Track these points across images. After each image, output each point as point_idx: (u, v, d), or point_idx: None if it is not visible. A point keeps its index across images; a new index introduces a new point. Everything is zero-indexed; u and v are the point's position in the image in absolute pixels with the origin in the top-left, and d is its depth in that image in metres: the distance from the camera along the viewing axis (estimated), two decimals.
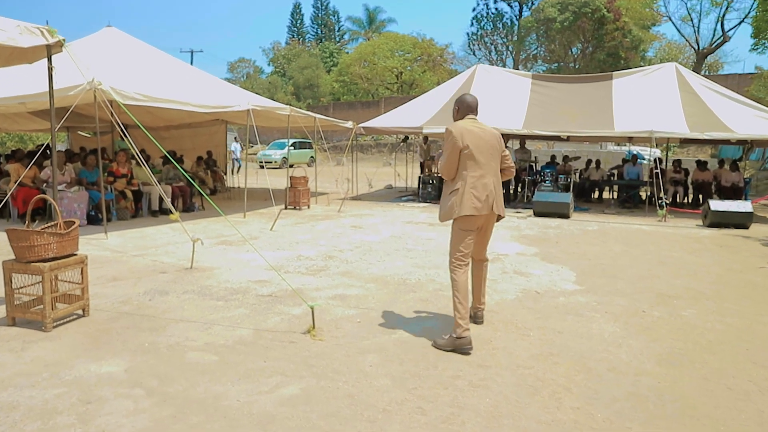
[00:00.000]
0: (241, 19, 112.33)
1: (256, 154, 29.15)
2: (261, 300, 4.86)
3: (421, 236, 8.50)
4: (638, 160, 15.25)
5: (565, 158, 15.09)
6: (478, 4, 47.59)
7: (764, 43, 20.14)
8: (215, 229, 8.80)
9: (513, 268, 6.40)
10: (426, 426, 2.74)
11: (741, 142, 13.85)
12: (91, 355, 3.52)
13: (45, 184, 9.13)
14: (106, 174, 9.87)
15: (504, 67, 34.96)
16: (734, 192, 12.99)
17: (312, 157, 27.93)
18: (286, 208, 11.65)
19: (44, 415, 2.76)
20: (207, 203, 12.10)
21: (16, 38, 4.28)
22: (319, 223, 9.79)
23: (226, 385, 3.14)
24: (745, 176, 14.00)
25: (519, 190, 14.25)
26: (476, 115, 4.03)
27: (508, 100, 13.86)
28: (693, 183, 14.34)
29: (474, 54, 41.39)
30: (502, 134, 12.62)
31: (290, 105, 12.92)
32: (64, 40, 4.87)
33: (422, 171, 15.05)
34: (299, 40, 60.04)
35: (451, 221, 3.95)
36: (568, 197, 11.37)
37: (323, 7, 62.65)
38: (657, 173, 11.73)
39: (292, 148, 28.88)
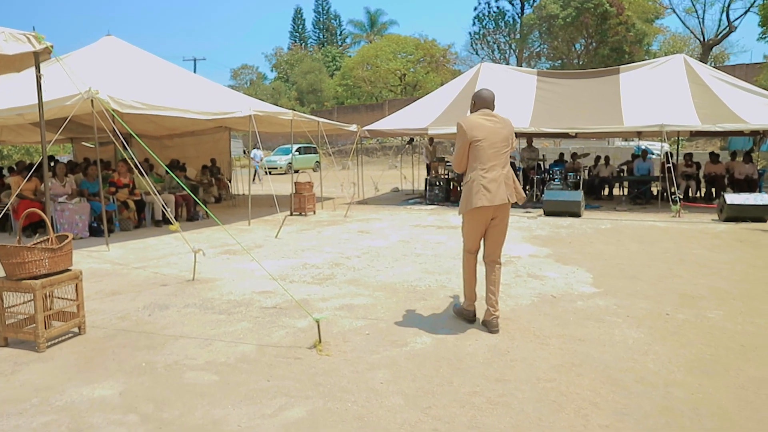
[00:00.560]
0: (243, 26, 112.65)
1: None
2: (265, 312, 4.64)
3: (430, 240, 8.27)
4: (648, 155, 14.97)
5: (574, 155, 14.81)
6: (479, 3, 47.09)
7: None
8: (219, 238, 8.61)
9: (526, 270, 6.16)
10: None
11: (753, 133, 13.55)
12: (84, 378, 3.32)
13: None
14: (107, 185, 9.71)
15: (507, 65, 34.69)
16: (748, 184, 12.66)
17: (317, 162, 27.76)
18: (291, 215, 11.45)
19: None
20: (211, 212, 11.92)
21: (0, 45, 4.09)
22: (325, 229, 9.58)
23: (226, 408, 2.93)
24: (758, 167, 13.69)
25: (528, 189, 13.98)
26: (492, 108, 4.14)
27: (514, 98, 13.60)
28: (705, 176, 14.02)
29: (477, 53, 41.24)
30: None
31: (294, 110, 12.72)
32: (51, 46, 4.68)
33: (429, 173, 14.81)
34: (301, 45, 59.99)
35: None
36: (579, 195, 11.11)
37: (324, 12, 62.64)
38: (669, 168, 11.46)
39: (297, 153, 28.73)
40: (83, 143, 16.34)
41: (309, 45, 60.93)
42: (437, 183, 13.72)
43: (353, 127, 14.51)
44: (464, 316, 4.36)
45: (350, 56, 49.80)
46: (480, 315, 4.33)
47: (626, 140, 25.71)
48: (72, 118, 10.13)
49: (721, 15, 31.45)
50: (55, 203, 8.77)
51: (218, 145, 16.14)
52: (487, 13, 40.99)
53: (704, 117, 11.44)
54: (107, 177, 9.95)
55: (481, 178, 3.94)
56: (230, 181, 15.96)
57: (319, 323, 3.83)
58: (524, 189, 14.00)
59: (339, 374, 3.36)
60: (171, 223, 6.21)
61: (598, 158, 15.44)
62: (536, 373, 3.36)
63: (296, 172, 20.40)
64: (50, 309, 3.95)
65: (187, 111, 8.98)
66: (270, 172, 26.30)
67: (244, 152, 29.21)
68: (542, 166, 14.14)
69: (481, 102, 4.13)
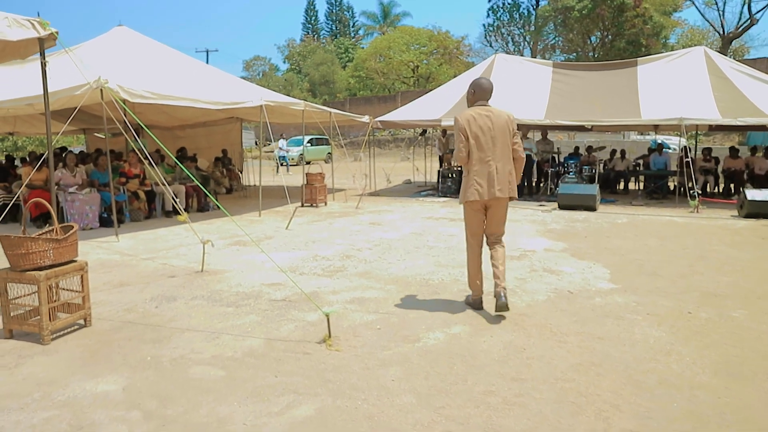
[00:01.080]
0: (256, 17, 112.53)
1: (272, 151, 28.98)
2: (274, 305, 4.54)
3: (443, 232, 8.13)
4: (664, 149, 14.68)
5: (589, 149, 14.56)
6: None
7: None
8: (229, 229, 8.53)
9: (542, 265, 6.01)
10: None
11: None
12: (88, 372, 3.23)
13: (56, 187, 8.91)
14: (117, 175, 9.67)
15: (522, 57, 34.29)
16: None
17: (329, 153, 27.65)
18: (302, 206, 11.36)
19: None
20: (221, 203, 11.86)
21: (4, 31, 4.00)
22: (336, 221, 9.47)
23: (232, 405, 2.83)
24: None
25: (542, 182, 13.77)
26: (488, 100, 4.22)
27: (529, 89, 13.39)
28: (724, 172, 13.73)
29: (491, 45, 40.77)
30: (524, 125, 12.07)
31: (306, 101, 12.59)
32: (56, 32, 4.58)
33: (441, 165, 14.64)
34: (314, 36, 59.74)
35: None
36: (595, 189, 10.91)
37: (337, 3, 62.26)
38: (687, 162, 11.21)
39: (309, 144, 28.63)
40: (96, 134, 16.35)
41: (322, 36, 60.70)
42: (450, 175, 13.54)
43: (365, 118, 14.36)
44: (471, 305, 4.46)
45: (363, 48, 49.53)
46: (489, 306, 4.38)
47: (642, 134, 25.34)
48: (84, 109, 10.08)
49: (743, 7, 30.72)
50: (66, 194, 8.74)
51: (230, 136, 16.08)
52: (501, 5, 40.45)
53: (725, 111, 11.16)
54: (118, 167, 9.90)
55: (475, 172, 4.12)
56: (242, 172, 15.90)
57: (328, 317, 3.72)
58: (538, 182, 13.80)
59: (349, 370, 3.25)
60: (180, 214, 6.17)
61: (613, 152, 15.17)
62: (554, 372, 3.23)
63: (308, 163, 20.33)
64: (55, 301, 3.88)
65: (197, 101, 8.90)
66: (283, 164, 26.33)
67: (256, 143, 29.22)
68: (557, 159, 13.92)
69: (480, 92, 4.20)
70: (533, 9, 39.19)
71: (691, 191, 10.71)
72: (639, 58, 14.49)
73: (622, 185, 14.84)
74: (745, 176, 13.17)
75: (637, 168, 14.54)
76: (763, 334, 3.86)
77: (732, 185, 13.58)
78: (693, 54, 13.43)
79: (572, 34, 34.19)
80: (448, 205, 11.59)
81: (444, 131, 14.94)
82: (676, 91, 12.23)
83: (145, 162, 9.81)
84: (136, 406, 2.82)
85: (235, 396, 2.93)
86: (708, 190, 13.40)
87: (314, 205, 11.60)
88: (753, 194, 9.78)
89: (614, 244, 7.23)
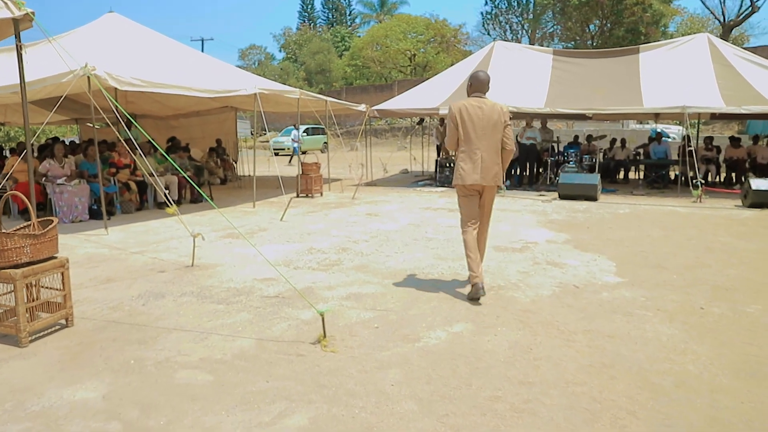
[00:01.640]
0: (252, 6, 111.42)
1: (268, 141, 28.69)
2: (266, 302, 4.33)
3: (441, 223, 7.93)
4: (663, 138, 14.47)
5: (589, 137, 14.34)
6: None
7: None
8: (222, 220, 8.27)
9: (545, 258, 5.81)
10: None
11: None
12: (67, 377, 3.02)
13: (44, 178, 8.67)
14: (107, 165, 9.42)
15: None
16: None
17: (325, 143, 27.36)
18: (297, 196, 11.13)
19: None
20: (215, 194, 11.63)
21: None
22: (332, 212, 9.26)
23: (219, 414, 2.62)
24: None
25: (541, 171, 13.55)
26: (485, 92, 4.41)
27: (529, 77, 13.14)
28: (726, 161, 13.55)
29: (488, 34, 40.31)
30: (524, 113, 11.87)
31: (301, 90, 12.32)
32: (33, 12, 4.32)
33: (439, 154, 14.41)
34: (310, 25, 59.10)
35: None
36: (596, 178, 10.70)
37: None
38: (690, 151, 11.01)
39: (305, 134, 28.32)
40: (88, 124, 16.06)
41: (318, 25, 60.08)
42: (448, 164, 13.30)
43: (362, 107, 14.10)
44: (472, 294, 4.35)
45: (360, 36, 49.00)
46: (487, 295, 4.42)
47: (641, 123, 25.12)
48: (75, 98, 9.80)
49: None
50: (54, 185, 8.49)
51: (224, 126, 15.83)
52: None
53: (728, 98, 10.94)
54: (108, 158, 9.65)
55: (463, 159, 4.35)
56: (236, 162, 15.66)
57: (323, 316, 3.51)
58: (537, 171, 13.57)
59: (345, 374, 3.05)
60: (177, 204, 5.98)
61: (613, 141, 14.96)
62: (564, 374, 3.03)
63: (304, 153, 20.09)
64: (35, 300, 3.67)
65: (189, 89, 8.64)
66: (278, 154, 26.05)
67: (252, 133, 28.91)
68: (556, 148, 13.70)
69: (477, 84, 4.40)
70: None
71: (694, 181, 10.52)
72: (641, 45, 14.25)
73: (622, 174, 14.64)
74: (747, 165, 13.00)
75: (638, 157, 14.34)
76: None
77: (734, 174, 13.41)
78: (696, 41, 13.19)
79: (571, 23, 33.84)
80: (447, 195, 11.37)
81: (442, 120, 14.67)
82: (678, 78, 12.01)
83: (136, 152, 9.59)
84: (116, 416, 2.61)
85: (222, 404, 2.72)
86: (709, 179, 13.21)
87: (310, 195, 11.37)
88: (758, 183, 9.60)
89: (617, 235, 7.04)
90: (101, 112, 7.30)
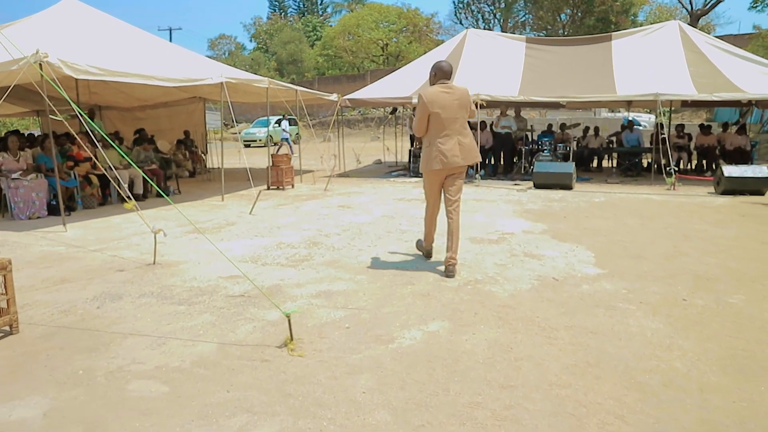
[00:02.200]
0: None
1: (239, 133, 28.10)
2: (230, 302, 4.08)
3: (416, 215, 7.72)
4: (635, 126, 14.48)
5: (563, 126, 14.26)
6: None
7: (765, 1, 19.26)
8: (189, 214, 7.95)
9: (522, 249, 5.65)
10: None
11: (747, 104, 13.13)
12: (3, 393, 2.74)
13: None
14: (66, 159, 8.99)
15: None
16: (741, 156, 12.27)
17: (297, 134, 26.93)
18: (268, 189, 10.82)
19: None
20: (184, 187, 11.26)
21: None
22: (303, 204, 8.99)
23: (173, 431, 2.38)
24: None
25: (516, 161, 13.43)
26: (449, 80, 4.66)
27: (502, 65, 12.97)
28: (697, 148, 13.62)
29: (461, 23, 40.16)
30: (497, 102, 11.93)
31: (271, 79, 11.95)
32: None
33: (413, 144, 14.17)
34: (281, 14, 58.25)
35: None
36: (571, 167, 10.61)
37: None
38: (663, 138, 10.99)
39: (276, 125, 27.83)
40: (51, 116, 15.45)
41: (289, 14, 59.21)
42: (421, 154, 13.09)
43: (333, 97, 13.78)
44: (422, 250, 5.22)
45: (331, 26, 48.46)
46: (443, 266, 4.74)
47: (613, 111, 25.27)
48: (32, 89, 9.32)
49: None
50: (9, 180, 8.05)
51: (193, 117, 15.36)
52: None
53: (700, 86, 10.94)
54: (66, 151, 9.21)
55: (439, 144, 4.54)
56: (205, 155, 15.24)
57: (290, 318, 3.28)
58: (512, 160, 13.45)
59: (313, 381, 2.83)
60: (141, 199, 5.65)
61: (587, 129, 14.93)
62: (547, 376, 2.86)
63: (275, 144, 19.67)
64: None
65: (151, 77, 8.25)
66: (249, 145, 25.55)
67: (225, 125, 28.28)
68: (530, 137, 13.60)
69: (441, 74, 4.64)
70: None
71: (667, 168, 10.51)
72: (613, 33, 14.21)
73: (595, 163, 14.63)
74: (717, 152, 13.07)
75: (611, 145, 14.33)
76: (766, 323, 3.55)
77: (704, 161, 13.50)
78: (667, 28, 13.18)
79: (542, 12, 33.93)
80: (421, 185, 11.14)
81: (415, 109, 14.46)
82: (651, 66, 11.98)
83: (99, 145, 9.17)
84: None
85: (178, 419, 2.48)
86: (681, 166, 13.26)
87: (281, 187, 11.07)
88: (730, 170, 9.61)
89: (595, 225, 6.93)
90: (50, 103, 6.87)
